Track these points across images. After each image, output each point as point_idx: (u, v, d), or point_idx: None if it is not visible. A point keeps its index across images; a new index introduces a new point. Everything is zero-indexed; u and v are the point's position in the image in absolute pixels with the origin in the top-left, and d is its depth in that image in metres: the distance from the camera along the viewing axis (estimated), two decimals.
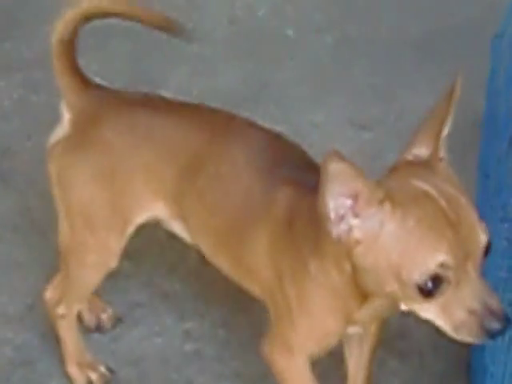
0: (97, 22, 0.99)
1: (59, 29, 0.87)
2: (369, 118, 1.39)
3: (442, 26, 1.54)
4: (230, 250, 0.89)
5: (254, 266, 0.85)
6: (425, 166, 0.69)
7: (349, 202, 0.63)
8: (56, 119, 0.92)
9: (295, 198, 0.78)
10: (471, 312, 0.63)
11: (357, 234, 0.63)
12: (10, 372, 1.09)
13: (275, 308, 0.83)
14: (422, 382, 1.05)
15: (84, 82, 0.90)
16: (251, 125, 0.89)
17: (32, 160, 1.29)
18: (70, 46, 0.90)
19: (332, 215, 0.62)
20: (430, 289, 0.61)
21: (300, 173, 0.83)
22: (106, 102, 0.92)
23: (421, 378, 1.05)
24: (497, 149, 1.06)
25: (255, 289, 0.88)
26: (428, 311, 0.64)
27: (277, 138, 0.91)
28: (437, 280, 0.61)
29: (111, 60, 1.53)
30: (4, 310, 1.13)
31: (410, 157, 0.69)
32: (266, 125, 1.16)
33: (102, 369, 1.02)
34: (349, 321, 0.77)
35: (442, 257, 0.61)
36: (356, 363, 0.90)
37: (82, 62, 0.94)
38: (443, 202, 0.64)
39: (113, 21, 1.02)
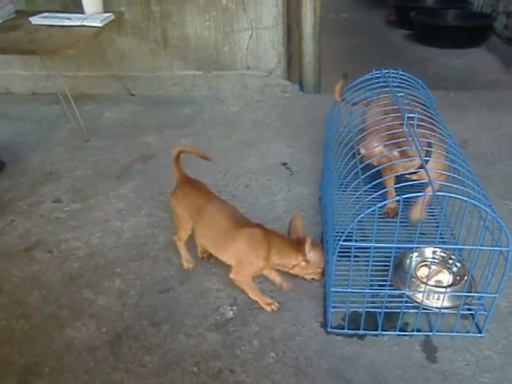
0: None
1: (174, 153, 1.68)
2: (286, 148, 2.68)
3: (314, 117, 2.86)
4: (215, 246, 1.62)
5: (228, 252, 1.58)
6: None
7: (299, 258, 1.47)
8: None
9: (250, 229, 1.53)
10: None
11: (303, 262, 1.50)
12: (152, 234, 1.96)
13: (235, 264, 1.56)
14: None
15: (180, 170, 1.70)
16: (222, 201, 1.66)
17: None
18: (177, 159, 1.69)
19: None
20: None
21: (243, 220, 1.59)
22: (183, 181, 1.70)
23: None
24: (326, 159, 1.95)
25: (227, 259, 1.61)
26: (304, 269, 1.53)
27: (231, 207, 1.68)
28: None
29: None
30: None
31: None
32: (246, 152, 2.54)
33: (191, 265, 1.79)
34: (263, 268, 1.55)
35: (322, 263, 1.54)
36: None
37: None
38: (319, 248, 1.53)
39: None
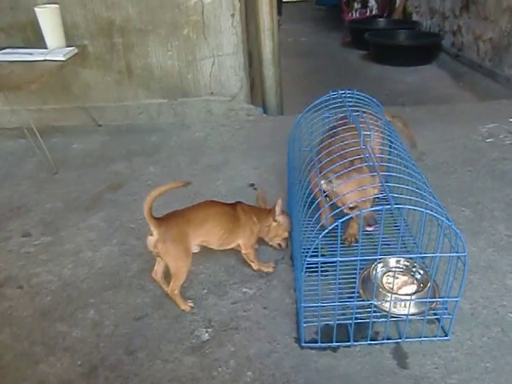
0: None
1: (147, 204, 1.55)
2: (253, 169, 2.74)
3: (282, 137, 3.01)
4: (232, 235, 1.77)
5: (239, 231, 1.78)
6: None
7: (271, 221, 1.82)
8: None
9: (243, 208, 1.80)
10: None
11: (273, 224, 1.85)
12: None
13: (242, 244, 1.79)
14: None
15: (153, 217, 1.59)
16: (201, 204, 1.80)
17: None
18: (150, 208, 1.56)
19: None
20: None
21: (228, 203, 1.83)
22: (165, 222, 1.62)
23: None
24: (291, 177, 2.09)
25: (235, 243, 1.80)
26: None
27: (209, 201, 1.83)
28: None
29: None
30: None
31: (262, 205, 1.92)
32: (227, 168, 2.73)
33: (188, 306, 1.73)
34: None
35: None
36: None
37: None
38: (286, 214, 1.87)
39: None
